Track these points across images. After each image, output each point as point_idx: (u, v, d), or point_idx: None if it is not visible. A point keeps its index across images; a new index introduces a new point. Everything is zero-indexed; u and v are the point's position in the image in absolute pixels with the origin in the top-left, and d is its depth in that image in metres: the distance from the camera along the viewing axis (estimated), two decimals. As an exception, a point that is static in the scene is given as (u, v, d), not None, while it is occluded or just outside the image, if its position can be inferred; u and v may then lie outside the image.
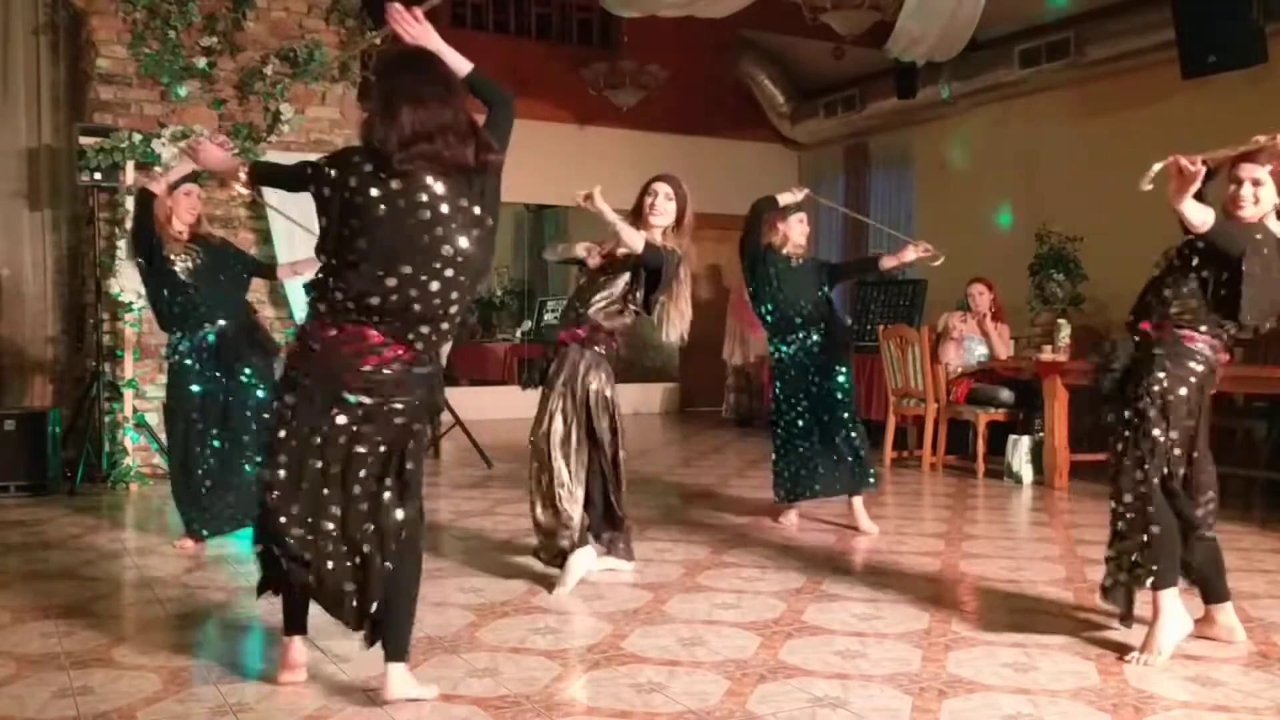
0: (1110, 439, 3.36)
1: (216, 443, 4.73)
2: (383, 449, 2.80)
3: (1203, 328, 3.26)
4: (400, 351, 2.75)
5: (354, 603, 2.80)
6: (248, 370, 4.78)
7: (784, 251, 5.28)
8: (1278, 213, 3.28)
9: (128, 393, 6.62)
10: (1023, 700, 2.91)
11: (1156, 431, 3.23)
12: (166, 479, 6.53)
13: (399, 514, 2.80)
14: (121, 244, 6.59)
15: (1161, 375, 3.25)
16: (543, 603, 3.90)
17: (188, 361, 4.72)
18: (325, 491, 2.78)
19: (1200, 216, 3.11)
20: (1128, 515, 3.27)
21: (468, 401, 9.15)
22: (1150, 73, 7.96)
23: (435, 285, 2.69)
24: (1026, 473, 6.72)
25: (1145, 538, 3.23)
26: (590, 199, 4.02)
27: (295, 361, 2.83)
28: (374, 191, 2.66)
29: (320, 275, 2.78)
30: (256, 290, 6.38)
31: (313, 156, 2.92)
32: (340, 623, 2.87)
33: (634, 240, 4.01)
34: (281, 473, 2.78)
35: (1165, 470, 3.25)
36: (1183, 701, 2.91)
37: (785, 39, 10.31)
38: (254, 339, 4.93)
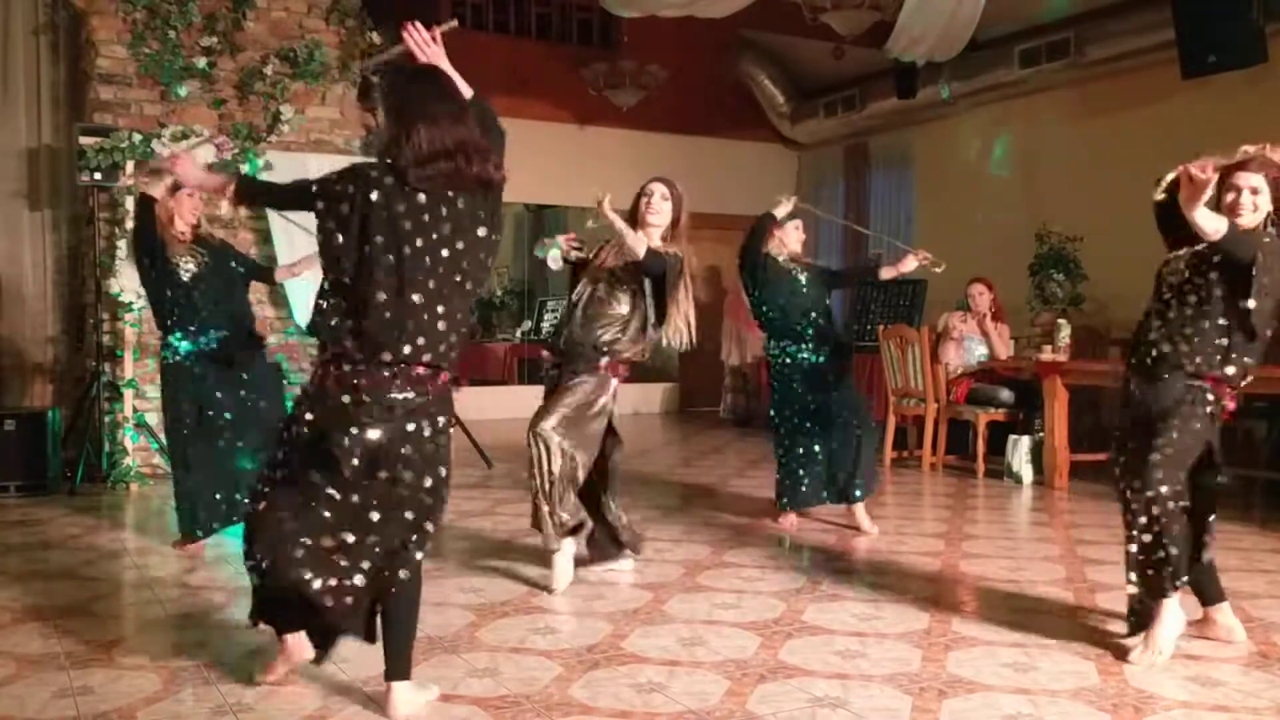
0: (1128, 462, 3.32)
1: (218, 452, 4.71)
2: (408, 474, 2.75)
3: (1230, 369, 3.26)
4: (420, 371, 2.72)
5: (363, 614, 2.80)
6: (247, 378, 4.77)
7: (781, 258, 5.29)
8: (1273, 219, 3.29)
9: (128, 393, 6.62)
10: (1023, 700, 2.91)
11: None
12: (166, 479, 6.56)
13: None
14: (121, 244, 6.59)
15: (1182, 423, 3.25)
16: (543, 603, 3.90)
17: (187, 364, 4.70)
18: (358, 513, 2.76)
19: (1213, 224, 3.10)
20: (1144, 538, 3.26)
21: (468, 401, 9.14)
22: (1150, 73, 7.96)
23: (456, 300, 2.72)
24: (1026, 473, 6.72)
25: (1163, 554, 3.22)
26: (600, 206, 4.04)
27: (317, 400, 2.74)
28: (400, 207, 2.65)
29: (335, 300, 2.69)
30: (256, 290, 6.38)
31: (312, 163, 2.91)
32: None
33: (637, 247, 4.01)
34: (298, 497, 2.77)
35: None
36: (1183, 701, 2.91)
37: (785, 39, 10.31)
38: (254, 346, 4.92)
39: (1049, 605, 3.89)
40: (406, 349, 2.67)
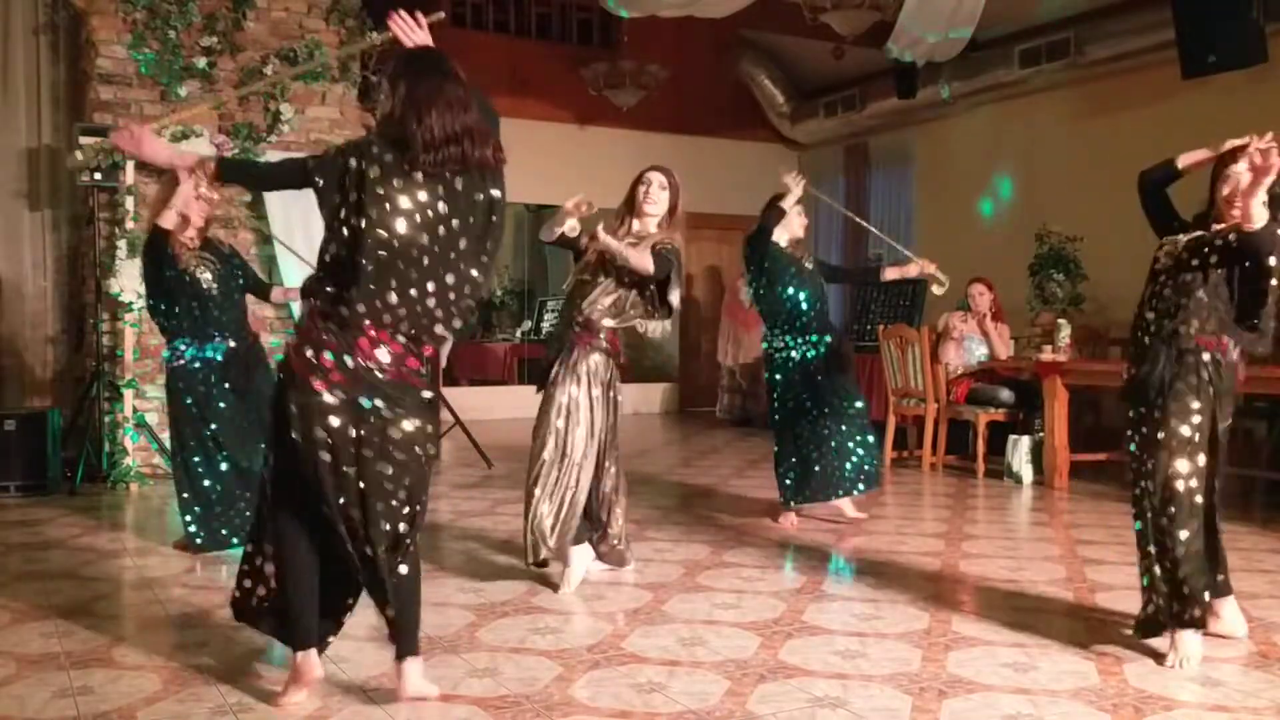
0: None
1: (225, 464, 4.70)
2: (400, 455, 2.76)
3: (1225, 336, 3.26)
4: (419, 350, 2.76)
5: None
6: (254, 392, 4.76)
7: (784, 243, 5.28)
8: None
9: (128, 393, 6.62)
10: (1023, 700, 2.91)
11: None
12: (166, 479, 6.56)
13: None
14: (121, 244, 6.59)
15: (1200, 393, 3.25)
16: (543, 603, 3.90)
17: (193, 369, 4.68)
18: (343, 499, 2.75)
19: (1262, 214, 3.10)
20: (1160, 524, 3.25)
21: (468, 401, 9.16)
22: (1150, 73, 7.96)
23: (450, 279, 2.73)
24: (1026, 473, 6.72)
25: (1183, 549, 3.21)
26: (594, 239, 4.02)
27: (305, 373, 2.70)
28: (397, 182, 2.67)
29: (327, 277, 2.71)
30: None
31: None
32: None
33: (645, 264, 4.01)
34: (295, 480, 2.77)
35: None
36: (1183, 701, 2.91)
37: (785, 39, 10.31)
38: (258, 358, 4.91)
39: (1049, 605, 3.89)
40: (387, 319, 2.70)
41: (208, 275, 4.66)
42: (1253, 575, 4.31)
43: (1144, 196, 3.51)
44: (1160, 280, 3.36)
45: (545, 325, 12.02)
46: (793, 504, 5.30)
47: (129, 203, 6.65)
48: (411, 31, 2.87)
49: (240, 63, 7.08)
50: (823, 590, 4.09)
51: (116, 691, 2.96)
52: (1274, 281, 3.15)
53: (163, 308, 4.68)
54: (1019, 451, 6.75)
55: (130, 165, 6.60)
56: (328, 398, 2.69)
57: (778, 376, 5.32)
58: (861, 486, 5.30)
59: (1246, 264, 3.18)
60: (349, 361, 2.69)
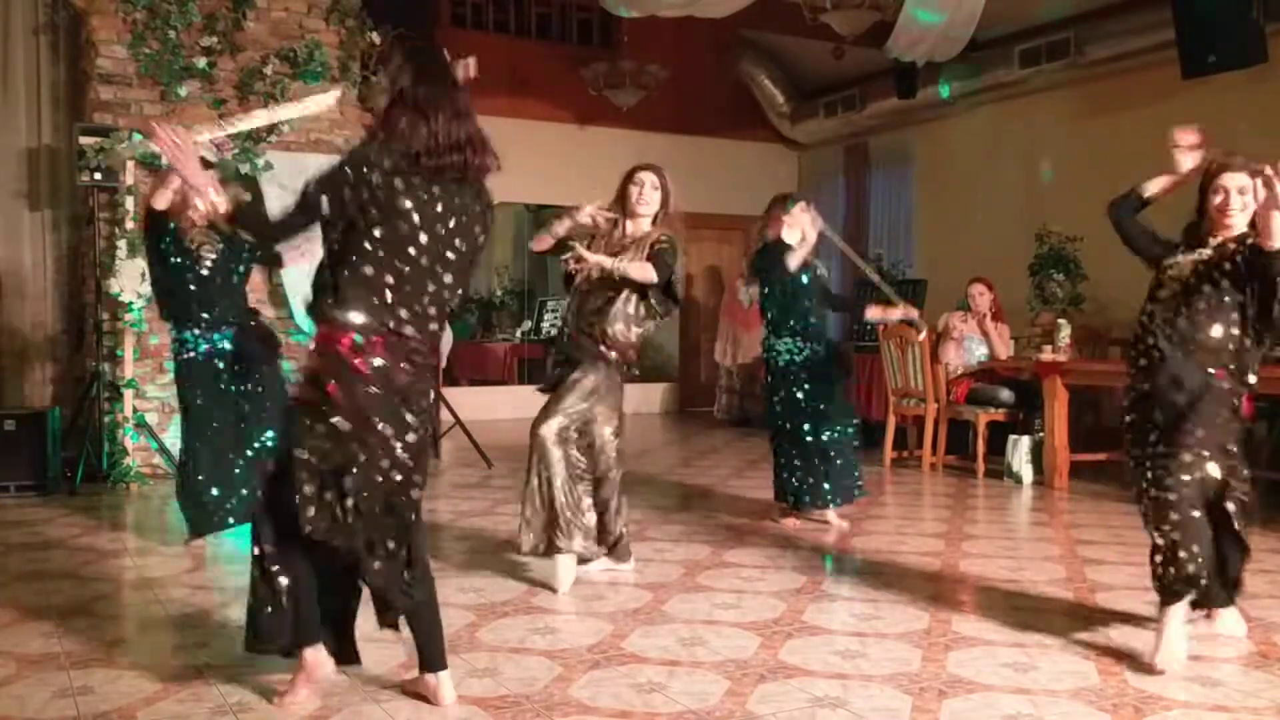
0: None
1: (232, 453, 4.71)
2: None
3: (1244, 371, 3.27)
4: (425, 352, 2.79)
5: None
6: (261, 383, 4.76)
7: (796, 245, 5.26)
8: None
9: (128, 393, 6.62)
10: (1023, 700, 2.91)
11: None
12: (166, 479, 6.57)
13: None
14: (121, 244, 6.59)
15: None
16: (543, 603, 3.90)
17: (201, 361, 4.68)
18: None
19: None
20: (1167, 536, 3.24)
21: (468, 401, 9.16)
22: (1150, 73, 7.96)
23: (448, 278, 2.77)
24: (1026, 473, 6.72)
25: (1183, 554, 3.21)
26: (582, 261, 4.02)
27: (339, 391, 2.67)
28: (398, 184, 2.68)
29: (347, 290, 2.69)
30: (256, 290, 6.39)
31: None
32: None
33: (648, 275, 4.02)
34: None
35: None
36: (1183, 701, 2.91)
37: (785, 39, 10.31)
38: (265, 347, 4.91)
39: (1049, 605, 3.89)
40: (415, 333, 2.73)
41: (211, 256, 4.66)
42: (1253, 575, 4.29)
43: (1119, 230, 3.50)
44: (1167, 304, 3.31)
45: (545, 325, 12.02)
46: (805, 508, 5.29)
47: (129, 203, 6.64)
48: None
49: (240, 63, 7.08)
50: (823, 590, 4.09)
51: (116, 691, 2.96)
52: None
53: (166, 292, 4.67)
54: (1019, 451, 6.75)
55: (130, 165, 6.60)
56: (405, 412, 2.73)
57: (786, 381, 5.29)
58: (857, 493, 5.33)
59: (1260, 281, 3.16)
60: (388, 368, 2.71)
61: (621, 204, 4.22)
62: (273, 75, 7.13)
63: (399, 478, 2.73)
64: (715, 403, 10.82)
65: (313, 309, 2.77)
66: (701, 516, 5.62)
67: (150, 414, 6.71)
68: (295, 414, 2.77)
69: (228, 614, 3.73)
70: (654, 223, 4.20)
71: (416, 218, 2.70)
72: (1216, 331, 3.24)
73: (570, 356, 4.13)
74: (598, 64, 9.99)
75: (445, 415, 8.12)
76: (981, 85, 9.31)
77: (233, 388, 4.73)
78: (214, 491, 4.68)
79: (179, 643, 3.42)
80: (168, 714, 2.81)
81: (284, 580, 2.78)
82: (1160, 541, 3.21)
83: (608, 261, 4.02)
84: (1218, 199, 3.30)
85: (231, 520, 4.71)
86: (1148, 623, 3.49)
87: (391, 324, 2.69)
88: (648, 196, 4.18)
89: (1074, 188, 8.66)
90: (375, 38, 7.54)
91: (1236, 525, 3.30)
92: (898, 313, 5.52)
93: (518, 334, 13.08)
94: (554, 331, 4.24)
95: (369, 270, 2.67)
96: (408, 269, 2.70)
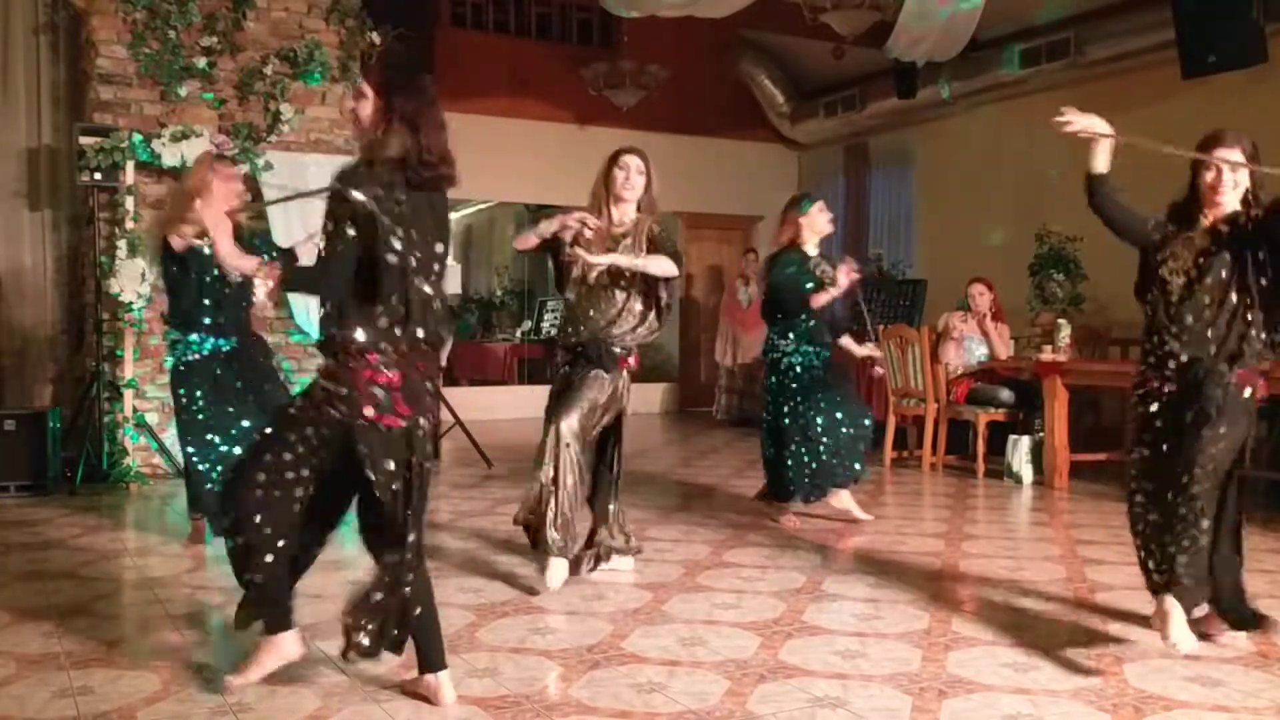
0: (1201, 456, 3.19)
1: (223, 448, 4.71)
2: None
3: (1260, 360, 3.23)
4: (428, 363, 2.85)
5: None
6: (254, 396, 4.75)
7: (812, 247, 5.25)
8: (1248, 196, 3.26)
9: (128, 393, 6.62)
10: (1023, 700, 2.91)
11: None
12: (166, 479, 6.58)
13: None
14: (121, 244, 6.59)
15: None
16: (543, 603, 3.90)
17: (204, 360, 4.67)
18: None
19: None
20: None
21: (468, 401, 9.15)
22: (1150, 73, 7.96)
23: (428, 290, 2.82)
24: (1026, 473, 6.72)
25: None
26: (578, 256, 4.00)
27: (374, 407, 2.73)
28: (395, 196, 2.73)
29: (369, 313, 2.72)
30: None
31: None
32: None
33: (668, 269, 4.02)
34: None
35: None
36: (1183, 701, 2.91)
37: (785, 39, 10.32)
38: (265, 361, 4.90)
39: (1049, 605, 3.89)
40: (420, 333, 2.78)
41: (239, 278, 4.63)
42: (1253, 575, 4.30)
43: (1100, 216, 3.40)
44: (1174, 300, 3.27)
45: (545, 325, 12.02)
46: (812, 500, 5.30)
47: (129, 203, 6.64)
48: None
49: (240, 63, 7.08)
50: (823, 590, 4.09)
51: (116, 691, 2.96)
52: None
53: (182, 300, 4.65)
54: (1019, 451, 6.75)
55: (130, 165, 6.60)
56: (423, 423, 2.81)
57: (792, 380, 5.28)
58: (858, 467, 5.35)
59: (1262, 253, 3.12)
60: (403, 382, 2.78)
61: (605, 188, 4.16)
62: (273, 75, 7.13)
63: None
64: (715, 403, 10.82)
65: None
66: (701, 516, 5.62)
67: (150, 414, 6.71)
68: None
69: (228, 614, 3.73)
70: (638, 208, 4.16)
71: (412, 230, 2.74)
72: (1226, 324, 3.18)
73: (595, 361, 4.07)
74: (598, 64, 10.00)
75: (445, 415, 8.13)
76: (981, 85, 9.31)
77: (238, 384, 4.73)
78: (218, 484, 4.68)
79: (179, 643, 3.42)
80: (168, 714, 2.81)
81: (270, 559, 2.86)
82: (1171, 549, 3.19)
83: (624, 260, 4.00)
84: (1210, 176, 3.24)
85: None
86: (1148, 623, 3.48)
87: (402, 334, 2.74)
88: (634, 181, 4.13)
89: (1074, 188, 8.62)
90: (375, 38, 7.54)
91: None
92: (860, 351, 5.78)
93: (518, 334, 13.09)
94: (554, 332, 4.20)
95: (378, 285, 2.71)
96: (412, 279, 2.74)
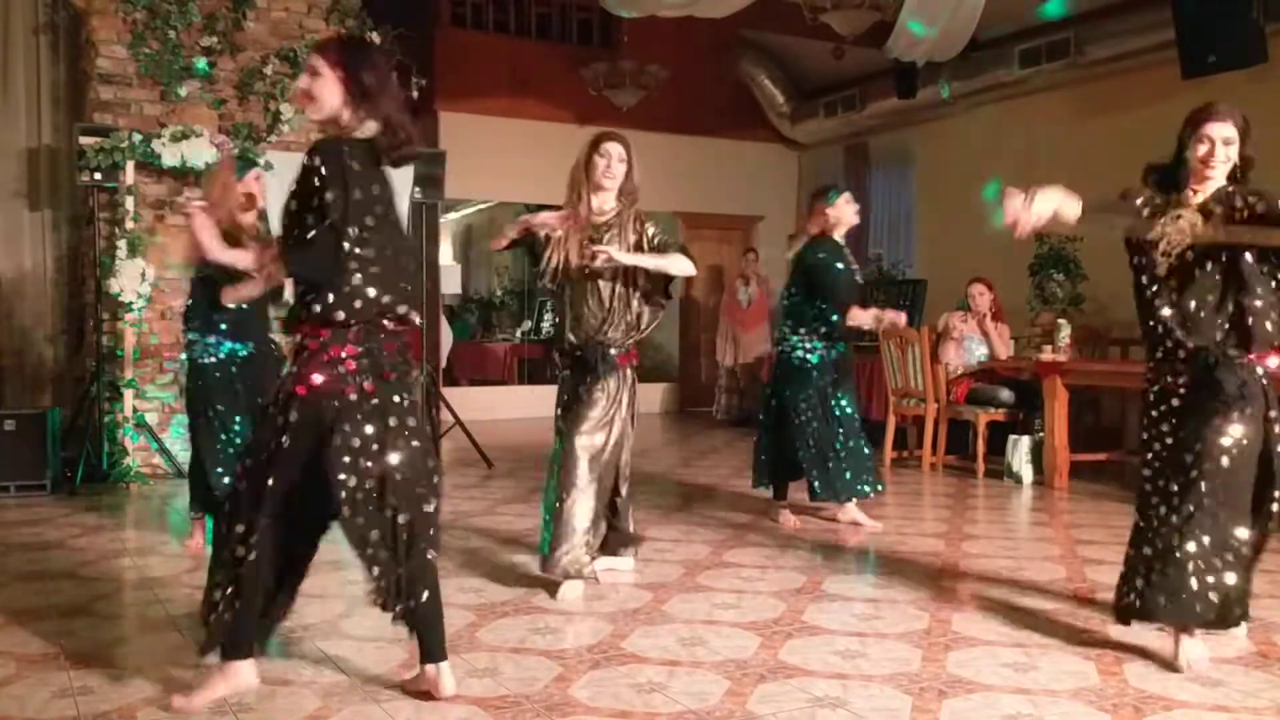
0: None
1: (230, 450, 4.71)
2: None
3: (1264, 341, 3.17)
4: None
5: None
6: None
7: (838, 237, 5.23)
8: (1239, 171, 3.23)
9: (128, 393, 6.62)
10: (1023, 700, 2.91)
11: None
12: (167, 479, 6.58)
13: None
14: (121, 244, 6.59)
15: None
16: (543, 603, 3.90)
17: (219, 362, 4.66)
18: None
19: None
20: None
21: (468, 401, 9.16)
22: (1150, 73, 7.96)
23: (411, 265, 2.87)
24: (1026, 473, 6.72)
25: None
26: (610, 259, 3.92)
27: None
28: (370, 172, 2.72)
29: (337, 288, 2.69)
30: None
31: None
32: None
33: (688, 268, 4.01)
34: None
35: None
36: (1183, 701, 2.91)
37: (785, 39, 10.32)
38: (278, 369, 4.89)
39: (1049, 605, 3.89)
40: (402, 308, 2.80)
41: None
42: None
43: (1122, 234, 3.34)
44: (1174, 288, 3.20)
45: (545, 325, 12.03)
46: (843, 501, 5.29)
47: (129, 203, 6.65)
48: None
49: (240, 63, 7.08)
50: (823, 590, 4.09)
51: (116, 691, 2.96)
52: None
53: (203, 305, 4.63)
54: (1019, 451, 6.75)
55: (130, 165, 6.60)
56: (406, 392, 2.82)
57: (815, 377, 5.22)
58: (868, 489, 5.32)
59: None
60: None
61: (585, 174, 4.09)
62: (273, 75, 7.13)
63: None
64: (715, 403, 10.83)
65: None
66: (701, 516, 5.62)
67: (150, 414, 6.71)
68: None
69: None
70: (618, 197, 4.10)
71: (376, 205, 2.73)
72: (1232, 307, 3.13)
73: (595, 370, 4.03)
74: (598, 64, 10.00)
75: (445, 415, 8.13)
76: (981, 85, 9.32)
77: (250, 389, 4.73)
78: (224, 480, 4.67)
79: (179, 643, 3.41)
80: (168, 714, 2.81)
81: (251, 578, 2.75)
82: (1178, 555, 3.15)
83: (648, 260, 3.97)
84: (1202, 149, 3.17)
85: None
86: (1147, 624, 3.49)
87: (379, 310, 2.74)
88: (615, 169, 4.05)
89: (1074, 188, 8.62)
90: (375, 37, 7.53)
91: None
92: (869, 320, 5.42)
93: (518, 334, 13.10)
94: (552, 332, 4.18)
95: (360, 259, 2.70)
96: (388, 251, 2.75)
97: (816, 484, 5.22)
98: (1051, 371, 6.53)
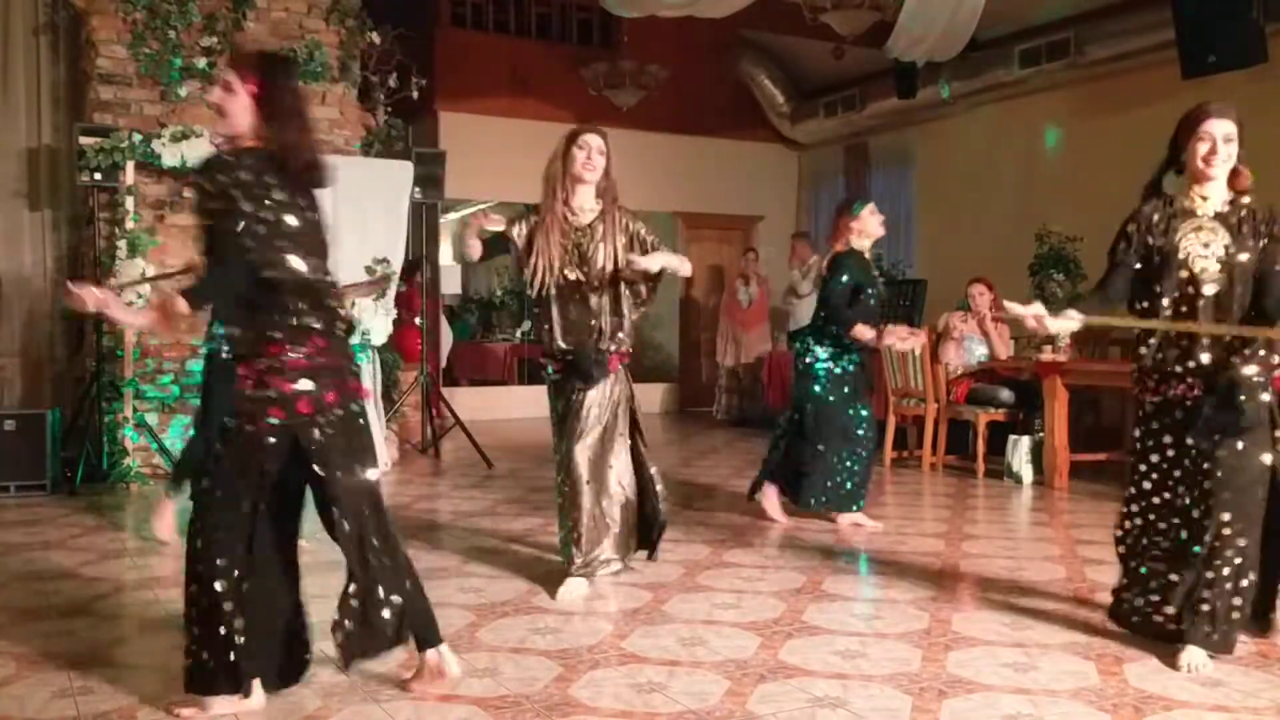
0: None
1: None
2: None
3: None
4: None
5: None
6: None
7: (865, 248, 5.26)
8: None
9: (128, 393, 6.62)
10: (1023, 700, 2.91)
11: None
12: (166, 479, 6.56)
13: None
14: (121, 244, 6.59)
15: None
16: (543, 603, 3.90)
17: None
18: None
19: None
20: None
21: (468, 401, 9.16)
22: (1150, 73, 7.96)
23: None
24: (1026, 473, 6.72)
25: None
26: (630, 265, 3.96)
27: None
28: (275, 189, 2.69)
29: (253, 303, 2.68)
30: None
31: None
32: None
33: (686, 267, 4.00)
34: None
35: None
36: (1183, 701, 2.91)
37: (785, 39, 10.33)
38: None
39: (1049, 605, 3.89)
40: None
41: None
42: (1253, 575, 4.30)
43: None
44: (1178, 291, 3.19)
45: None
46: (852, 510, 5.30)
47: (129, 203, 6.65)
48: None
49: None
50: (823, 590, 4.09)
51: (116, 691, 2.96)
52: None
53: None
54: (1019, 451, 6.75)
55: (130, 165, 6.60)
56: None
57: (834, 387, 5.24)
58: (861, 503, 5.36)
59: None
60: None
61: (563, 168, 4.03)
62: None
63: None
64: (715, 403, 10.83)
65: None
66: (701, 516, 5.62)
67: (150, 414, 6.70)
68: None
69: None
70: (598, 193, 4.06)
71: (313, 226, 2.76)
72: (1240, 320, 3.12)
73: (589, 376, 4.01)
74: (598, 64, 10.00)
75: (445, 415, 8.13)
76: (981, 85, 9.32)
77: None
78: None
79: (179, 643, 3.40)
80: (168, 714, 2.81)
81: (236, 618, 2.72)
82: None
83: (674, 260, 3.96)
84: (1203, 148, 3.16)
85: None
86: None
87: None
88: (596, 162, 4.00)
89: (1074, 188, 8.67)
90: (375, 38, 7.54)
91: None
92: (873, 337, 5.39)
93: (517, 334, 13.09)
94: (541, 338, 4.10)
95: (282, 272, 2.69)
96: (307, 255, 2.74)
97: (813, 498, 5.26)
98: (1051, 371, 6.53)
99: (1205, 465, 3.14)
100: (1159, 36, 7.58)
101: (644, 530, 4.31)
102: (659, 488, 4.28)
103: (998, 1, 7.63)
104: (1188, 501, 3.20)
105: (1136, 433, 3.39)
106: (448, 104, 10.05)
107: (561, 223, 4.02)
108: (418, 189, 7.46)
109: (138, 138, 6.59)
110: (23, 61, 7.10)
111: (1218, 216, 3.20)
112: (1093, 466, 6.66)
